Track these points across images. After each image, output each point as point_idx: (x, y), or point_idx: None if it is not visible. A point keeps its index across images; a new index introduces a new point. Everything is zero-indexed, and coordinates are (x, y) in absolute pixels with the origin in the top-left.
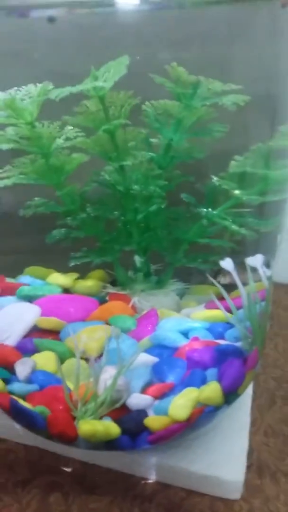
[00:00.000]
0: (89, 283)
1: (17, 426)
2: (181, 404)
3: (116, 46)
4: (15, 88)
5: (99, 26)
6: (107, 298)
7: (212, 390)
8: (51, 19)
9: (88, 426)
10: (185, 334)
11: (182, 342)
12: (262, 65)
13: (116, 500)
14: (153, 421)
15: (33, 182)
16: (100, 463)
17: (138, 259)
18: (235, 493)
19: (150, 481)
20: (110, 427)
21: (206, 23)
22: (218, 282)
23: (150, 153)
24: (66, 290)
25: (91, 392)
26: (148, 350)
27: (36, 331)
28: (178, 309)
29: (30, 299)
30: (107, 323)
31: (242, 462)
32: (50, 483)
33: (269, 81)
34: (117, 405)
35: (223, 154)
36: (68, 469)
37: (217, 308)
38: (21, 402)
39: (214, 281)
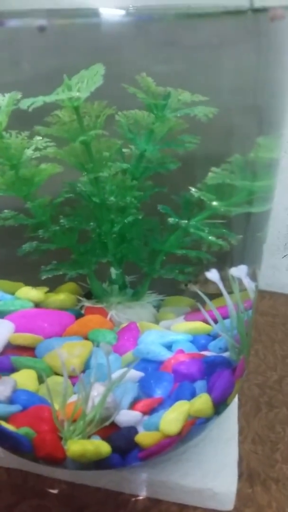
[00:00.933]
0: (62, 297)
1: None
2: (172, 418)
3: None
4: None
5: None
6: (82, 311)
7: (202, 402)
8: (41, 28)
9: (77, 446)
10: (168, 347)
11: (166, 355)
12: (245, 76)
13: None
14: (145, 437)
15: (2, 194)
16: (87, 483)
17: (113, 271)
18: (228, 504)
19: (140, 497)
20: (100, 446)
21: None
22: (187, 291)
23: (124, 164)
24: (37, 305)
25: (80, 411)
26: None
27: (9, 348)
28: (156, 321)
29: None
30: (86, 338)
31: (234, 472)
32: (36, 507)
33: (252, 92)
34: (107, 423)
35: (198, 165)
36: (54, 491)
37: (197, 319)
38: (4, 424)
39: (198, 291)
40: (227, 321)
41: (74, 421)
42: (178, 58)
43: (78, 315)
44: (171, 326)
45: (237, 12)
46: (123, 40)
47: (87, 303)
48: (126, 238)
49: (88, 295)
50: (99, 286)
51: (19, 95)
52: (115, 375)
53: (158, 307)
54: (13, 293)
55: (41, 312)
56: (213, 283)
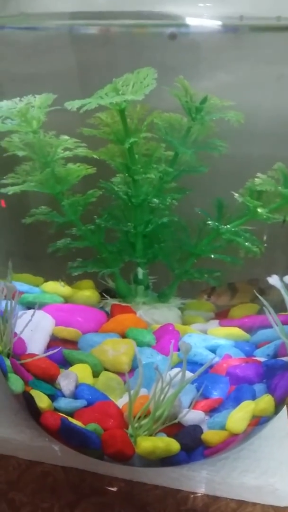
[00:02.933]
0: (88, 293)
1: (56, 447)
2: (239, 418)
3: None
4: (18, 98)
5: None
6: (106, 309)
7: (266, 402)
8: (172, 36)
9: (148, 443)
10: (212, 350)
11: (214, 358)
12: None
13: None
14: (212, 435)
15: (37, 190)
16: (145, 480)
17: (140, 271)
18: (286, 500)
19: (199, 494)
20: (170, 443)
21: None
22: (208, 299)
23: (167, 167)
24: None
25: (150, 408)
26: (177, 366)
27: (52, 340)
28: (181, 323)
29: (31, 307)
30: (122, 336)
31: None
32: (98, 505)
33: None
34: (176, 421)
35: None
36: (114, 489)
37: (233, 325)
38: (73, 421)
39: (260, 297)
40: (286, 327)
41: (140, 417)
42: None
43: (105, 313)
44: (206, 330)
45: None
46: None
47: (113, 301)
48: (158, 239)
49: (107, 293)
50: (125, 285)
51: (53, 96)
52: (168, 374)
53: (181, 310)
54: (36, 286)
55: (76, 308)
56: (226, 294)
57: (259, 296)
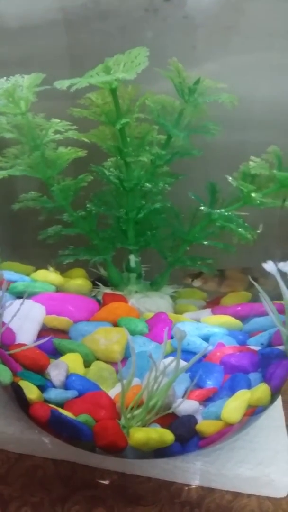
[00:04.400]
0: (79, 282)
1: (46, 440)
2: (235, 407)
3: None
4: (5, 78)
5: None
6: (98, 297)
7: (262, 391)
8: None
9: (141, 434)
10: (205, 339)
11: (207, 347)
12: None
13: (164, 509)
14: (207, 425)
15: (27, 174)
16: (138, 473)
17: (132, 259)
18: (283, 491)
19: (193, 486)
20: (164, 434)
21: None
22: (191, 284)
23: (159, 150)
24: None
25: (143, 398)
26: (171, 355)
27: (43, 329)
28: (173, 312)
29: (21, 296)
30: (114, 325)
31: (287, 460)
32: (90, 498)
33: None
34: (170, 411)
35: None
36: (106, 482)
37: (225, 313)
38: (63, 412)
39: (257, 285)
40: (282, 316)
41: (133, 408)
42: None
43: (97, 302)
44: (199, 318)
45: None
46: None
47: (105, 290)
48: (150, 226)
49: (99, 281)
50: (117, 273)
51: (41, 76)
52: (161, 363)
53: (173, 298)
54: (27, 275)
55: (67, 296)
56: (214, 280)
57: (255, 284)
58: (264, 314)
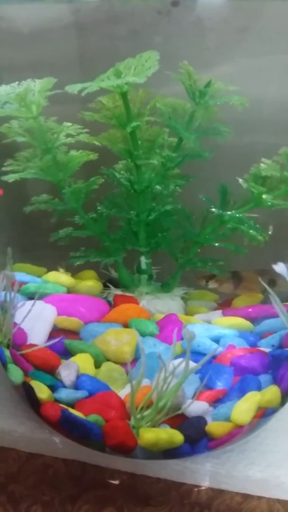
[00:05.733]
0: (90, 283)
1: (56, 439)
2: (245, 409)
3: None
4: (17, 82)
5: None
6: (109, 299)
7: (272, 393)
8: (175, 3)
9: (151, 434)
10: (216, 340)
11: (218, 348)
12: None
13: (174, 509)
14: (216, 427)
15: (39, 178)
16: (148, 473)
17: (143, 261)
18: None
19: (203, 487)
20: (173, 435)
21: None
22: (206, 286)
23: (170, 153)
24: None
25: (153, 399)
26: (181, 356)
27: (54, 330)
28: (184, 314)
29: (33, 297)
30: (125, 326)
31: None
32: (100, 498)
33: None
34: (179, 412)
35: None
36: (116, 482)
37: (236, 315)
38: (74, 412)
39: (267, 287)
40: None
41: (143, 408)
42: None
43: (108, 303)
44: (210, 320)
45: None
46: None
47: (116, 291)
48: (161, 228)
49: (110, 283)
50: (128, 275)
51: (53, 80)
52: (171, 364)
53: (184, 300)
54: (38, 277)
55: (79, 298)
56: (230, 282)
57: (265, 285)
58: (275, 316)
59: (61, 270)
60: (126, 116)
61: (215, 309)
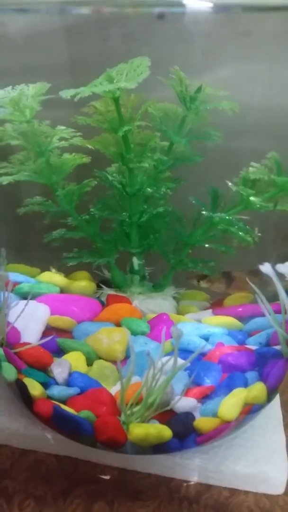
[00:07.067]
0: (83, 283)
1: (49, 435)
2: (231, 405)
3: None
4: (10, 86)
5: None
6: (102, 299)
7: (258, 389)
8: (160, 16)
9: (140, 429)
10: (205, 339)
11: (207, 346)
12: None
13: (163, 504)
14: (204, 422)
15: (32, 180)
16: (138, 469)
17: (136, 261)
18: (280, 488)
19: (191, 482)
20: (162, 430)
21: None
22: (198, 285)
23: (161, 156)
24: (61, 290)
25: (142, 395)
26: (170, 354)
27: (47, 329)
28: (177, 313)
29: (26, 297)
30: (117, 325)
31: (284, 458)
32: (91, 492)
33: None
34: (168, 408)
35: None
36: (107, 477)
37: (226, 314)
38: (65, 408)
39: (253, 286)
40: (278, 316)
41: (133, 404)
42: None
43: (101, 303)
44: (200, 319)
45: None
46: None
47: (109, 291)
48: (153, 229)
49: (103, 283)
50: (120, 275)
51: (47, 85)
52: (160, 362)
53: (176, 300)
54: (32, 277)
55: (72, 297)
56: (221, 281)
57: (252, 285)
58: (262, 314)
59: (53, 270)
60: (118, 121)
61: (207, 308)
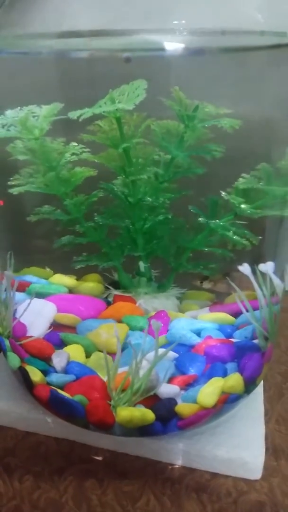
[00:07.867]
0: (91, 285)
1: (49, 419)
2: (209, 392)
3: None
4: (19, 107)
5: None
6: (109, 299)
7: (235, 380)
8: (127, 60)
9: (126, 412)
10: (197, 333)
11: (197, 340)
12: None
13: (148, 483)
14: (184, 408)
15: (42, 191)
16: (128, 451)
17: (142, 265)
18: (256, 474)
19: (176, 466)
20: (146, 413)
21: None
22: (201, 286)
23: (158, 169)
24: (70, 291)
25: (128, 381)
26: (165, 347)
27: (54, 325)
28: (179, 312)
29: (38, 296)
30: (119, 322)
31: (261, 446)
32: (84, 471)
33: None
34: (151, 393)
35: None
36: (99, 458)
37: (221, 311)
38: (61, 392)
39: (234, 285)
40: (256, 312)
41: (121, 391)
42: None
43: (107, 303)
44: (197, 315)
45: None
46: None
47: (115, 292)
48: (156, 235)
49: (113, 285)
50: (127, 277)
51: (59, 106)
52: (153, 354)
53: (180, 299)
54: (45, 279)
55: (78, 297)
56: (223, 282)
57: (231, 283)
58: (255, 309)
59: (47, 269)
60: (120, 138)
61: (211, 306)
